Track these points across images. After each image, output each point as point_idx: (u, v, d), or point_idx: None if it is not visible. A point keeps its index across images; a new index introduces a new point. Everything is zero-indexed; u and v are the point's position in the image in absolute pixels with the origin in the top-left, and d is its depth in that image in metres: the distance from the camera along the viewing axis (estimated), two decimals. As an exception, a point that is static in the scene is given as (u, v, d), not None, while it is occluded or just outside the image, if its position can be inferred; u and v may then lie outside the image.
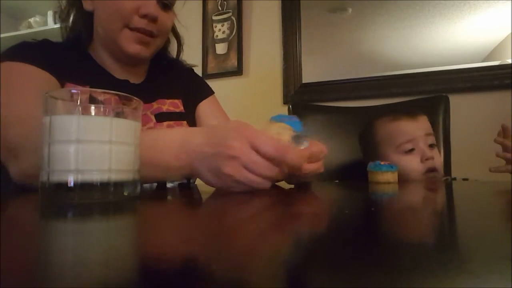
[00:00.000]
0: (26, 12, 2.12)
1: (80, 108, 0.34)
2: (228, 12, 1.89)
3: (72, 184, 0.33)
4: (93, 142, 0.34)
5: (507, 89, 1.39)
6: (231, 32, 1.87)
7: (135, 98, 0.39)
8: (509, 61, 1.41)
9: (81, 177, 0.33)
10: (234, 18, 1.87)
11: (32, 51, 0.66)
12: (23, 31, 2.01)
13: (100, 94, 0.36)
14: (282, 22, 1.77)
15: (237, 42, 1.85)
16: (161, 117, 0.74)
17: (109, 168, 0.34)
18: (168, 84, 0.81)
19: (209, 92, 0.90)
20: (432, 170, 0.83)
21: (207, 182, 0.47)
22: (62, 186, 0.33)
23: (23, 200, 0.43)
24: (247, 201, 0.46)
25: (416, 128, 0.84)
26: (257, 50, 1.84)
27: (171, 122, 0.74)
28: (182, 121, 0.77)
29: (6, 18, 2.15)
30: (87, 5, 0.70)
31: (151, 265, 0.15)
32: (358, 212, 0.33)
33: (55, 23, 1.96)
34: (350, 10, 1.66)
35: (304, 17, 1.74)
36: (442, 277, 0.13)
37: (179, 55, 0.87)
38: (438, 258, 0.16)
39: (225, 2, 1.90)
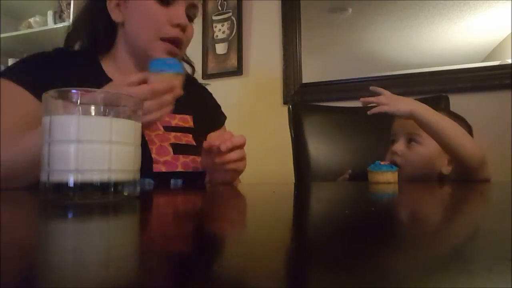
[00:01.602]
0: (26, 12, 2.12)
1: (80, 108, 0.34)
2: (228, 12, 1.88)
3: (72, 184, 0.33)
4: (93, 142, 0.34)
5: (507, 89, 1.39)
6: (231, 32, 1.87)
7: (136, 98, 0.39)
8: (509, 61, 1.41)
9: (81, 177, 0.33)
10: (234, 18, 1.87)
11: (30, 67, 0.68)
12: (23, 31, 2.01)
13: (100, 93, 0.36)
14: (282, 22, 1.77)
15: (237, 42, 1.84)
16: (169, 129, 0.75)
17: (109, 168, 0.34)
18: (181, 100, 0.81)
19: (223, 120, 0.94)
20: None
21: None
22: (62, 186, 0.33)
23: (23, 200, 0.43)
24: (242, 200, 0.46)
25: (399, 125, 0.89)
26: (257, 50, 1.84)
27: (179, 134, 0.75)
28: (189, 134, 0.78)
29: (6, 18, 2.14)
30: (116, 17, 0.72)
31: (151, 265, 0.15)
32: (358, 212, 0.33)
33: (55, 23, 1.96)
34: (350, 10, 1.66)
35: (304, 17, 1.74)
36: (442, 277, 0.13)
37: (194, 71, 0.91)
38: (438, 258, 0.16)
39: (225, 2, 1.90)
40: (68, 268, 0.15)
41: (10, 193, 0.48)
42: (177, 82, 0.59)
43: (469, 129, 0.88)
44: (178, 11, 0.70)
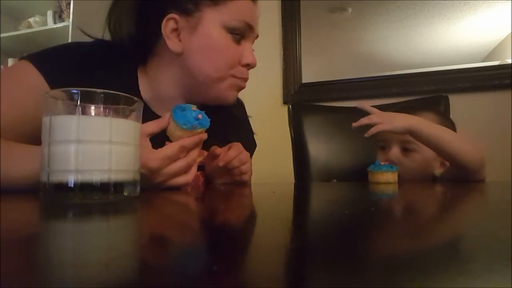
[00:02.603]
0: (26, 12, 2.12)
1: (80, 108, 0.34)
2: (228, 12, 1.88)
3: (72, 184, 0.33)
4: (93, 142, 0.34)
5: (507, 89, 1.39)
6: (231, 32, 1.86)
7: (136, 98, 0.39)
8: (509, 61, 1.41)
9: (81, 177, 0.33)
10: (234, 18, 1.87)
11: (58, 58, 0.60)
12: (23, 31, 2.01)
13: (100, 93, 0.36)
14: (282, 22, 1.77)
15: (237, 42, 1.84)
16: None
17: (109, 168, 0.34)
18: (214, 134, 0.69)
19: (253, 149, 0.87)
20: None
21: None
22: (62, 186, 0.33)
23: (23, 200, 0.43)
24: (242, 200, 0.46)
25: (390, 133, 0.87)
26: (257, 50, 1.84)
27: (198, 173, 0.69)
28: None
29: (6, 18, 2.14)
30: (173, 45, 0.63)
31: (151, 265, 0.15)
32: (358, 212, 0.33)
33: (54, 22, 1.96)
34: (350, 10, 1.66)
35: (304, 17, 1.74)
36: (442, 277, 0.13)
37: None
38: (438, 258, 0.16)
39: (225, 2, 1.90)
40: (68, 268, 0.15)
41: (10, 194, 0.48)
42: (205, 136, 0.55)
43: (452, 126, 0.87)
44: (247, 50, 0.68)
